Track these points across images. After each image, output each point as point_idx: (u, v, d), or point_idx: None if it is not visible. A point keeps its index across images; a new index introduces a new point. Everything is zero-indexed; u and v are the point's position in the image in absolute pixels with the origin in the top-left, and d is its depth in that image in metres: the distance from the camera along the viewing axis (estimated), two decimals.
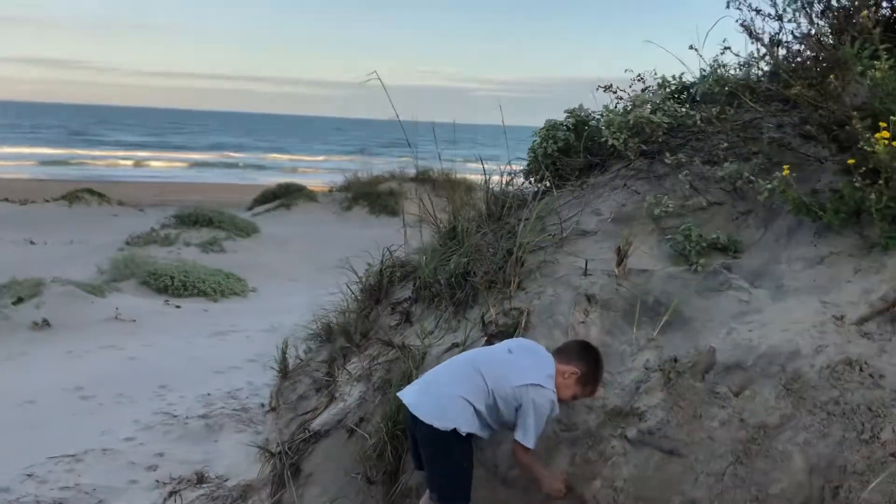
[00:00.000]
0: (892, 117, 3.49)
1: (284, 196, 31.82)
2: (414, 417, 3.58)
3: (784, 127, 4.62)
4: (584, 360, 3.64)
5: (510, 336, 4.11)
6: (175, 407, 10.18)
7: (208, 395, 10.79)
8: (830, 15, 4.71)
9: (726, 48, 4.96)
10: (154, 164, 59.76)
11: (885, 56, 3.75)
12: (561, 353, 3.69)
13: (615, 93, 5.49)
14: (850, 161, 3.67)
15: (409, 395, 3.66)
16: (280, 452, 4.45)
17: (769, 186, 3.97)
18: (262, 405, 9.86)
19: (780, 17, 4.92)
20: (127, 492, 7.13)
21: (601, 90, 5.52)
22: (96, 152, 65.25)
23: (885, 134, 3.47)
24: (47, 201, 31.86)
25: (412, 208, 6.49)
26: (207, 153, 69.47)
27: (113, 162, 59.79)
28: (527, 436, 3.50)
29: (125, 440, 8.68)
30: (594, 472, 3.58)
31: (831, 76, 3.86)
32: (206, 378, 11.60)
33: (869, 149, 3.51)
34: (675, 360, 3.80)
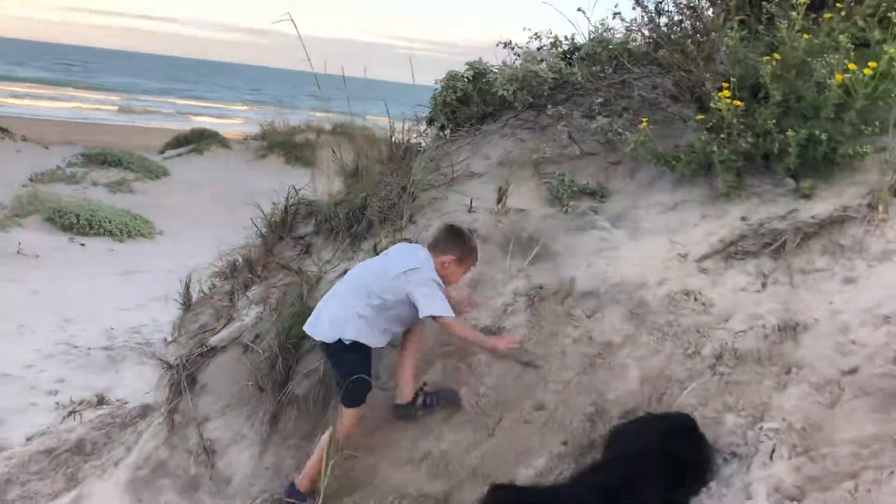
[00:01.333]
0: (731, 79, 3.99)
1: (197, 141, 31.19)
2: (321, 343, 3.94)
3: (657, 88, 5.11)
4: (456, 244, 3.99)
5: None
6: (77, 339, 10.29)
7: (112, 329, 10.91)
8: None
9: (616, 13, 5.40)
10: (57, 103, 57.34)
11: (738, 27, 4.24)
12: (435, 248, 4.00)
13: (513, 49, 5.90)
14: (699, 117, 4.18)
15: (308, 326, 4.01)
16: (178, 365, 4.77)
17: (634, 139, 4.45)
18: (166, 339, 10.01)
19: None
20: (27, 412, 7.29)
21: (501, 46, 5.91)
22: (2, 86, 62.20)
23: (726, 94, 3.97)
24: None
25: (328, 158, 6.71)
26: (117, 94, 67.12)
27: (14, 98, 57.16)
28: (433, 306, 3.78)
29: (26, 367, 8.78)
30: (462, 381, 4.03)
31: (688, 41, 4.34)
32: (111, 314, 11.69)
33: (714, 107, 4.01)
34: (541, 287, 4.27)
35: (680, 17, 5.18)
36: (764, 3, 4.29)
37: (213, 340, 4.90)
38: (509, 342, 3.96)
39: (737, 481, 3.02)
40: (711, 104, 4.03)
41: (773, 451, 3.03)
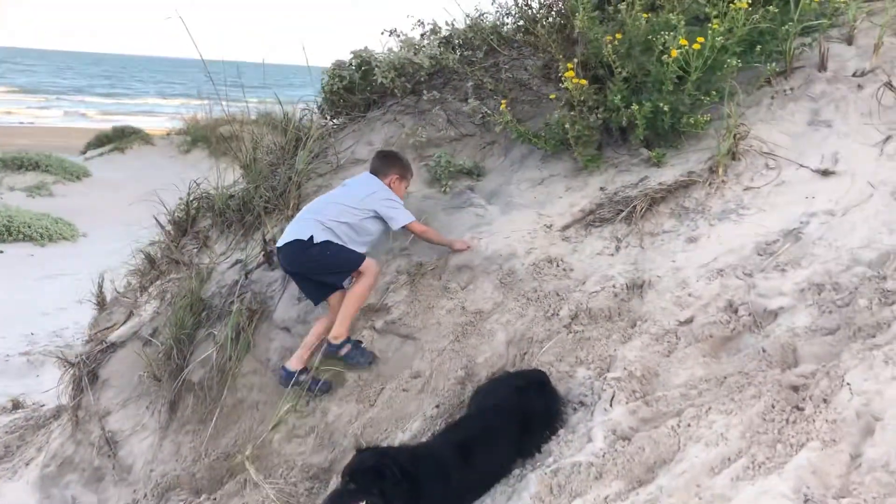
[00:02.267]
0: (575, 59, 4.29)
1: (119, 139, 30.70)
2: (285, 255, 4.22)
3: (527, 69, 5.39)
4: (394, 164, 4.52)
5: None
6: None
7: (32, 334, 10.85)
8: None
9: None
10: None
11: (587, 8, 4.53)
12: (378, 172, 4.50)
13: (398, 36, 6.11)
14: (552, 96, 4.47)
15: (280, 241, 4.29)
16: (79, 363, 4.90)
17: (501, 120, 4.72)
18: (84, 341, 10.00)
19: None
20: None
21: (386, 34, 6.12)
22: None
23: (570, 73, 4.26)
24: None
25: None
26: (32, 95, 65.21)
27: None
28: (400, 216, 4.32)
29: None
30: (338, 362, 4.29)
31: (548, 23, 4.62)
32: (32, 319, 11.60)
33: (563, 86, 4.31)
34: (420, 265, 4.53)
35: (548, 1, 5.45)
36: None
37: (113, 337, 5.05)
38: (462, 243, 4.48)
39: (581, 427, 3.33)
40: (560, 84, 4.32)
41: (612, 397, 3.35)
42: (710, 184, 4.25)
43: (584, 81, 4.27)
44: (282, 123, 6.18)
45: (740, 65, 4.29)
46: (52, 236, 18.02)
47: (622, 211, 4.31)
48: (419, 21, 6.17)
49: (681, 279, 3.85)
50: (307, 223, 4.22)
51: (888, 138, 4.04)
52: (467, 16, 5.61)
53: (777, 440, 2.82)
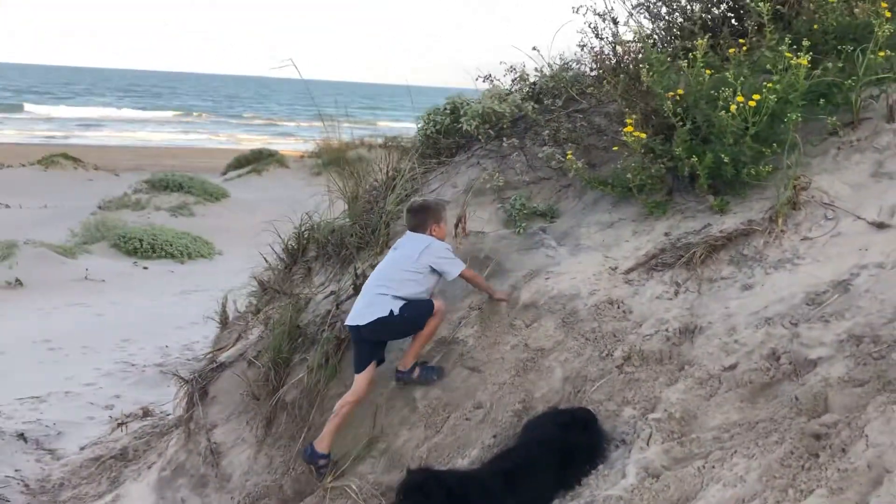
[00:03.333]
0: (633, 116, 4.56)
1: (256, 162, 32.61)
2: (371, 331, 4.63)
3: (606, 116, 5.67)
4: (426, 215, 4.88)
5: None
6: (135, 357, 11.26)
7: (166, 347, 11.87)
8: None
9: (582, 46, 5.98)
10: (124, 128, 59.98)
11: (659, 63, 4.78)
12: (418, 227, 4.86)
13: (492, 82, 6.52)
14: (615, 148, 4.75)
15: (352, 319, 4.72)
16: (192, 379, 5.55)
17: (572, 166, 5.04)
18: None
19: (615, 22, 5.94)
20: (84, 425, 8.22)
21: (480, 80, 6.55)
22: (63, 113, 65.61)
23: (630, 128, 4.53)
24: (23, 165, 32.37)
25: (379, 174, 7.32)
26: (177, 114, 70.11)
27: (83, 123, 60.05)
28: (453, 269, 4.69)
29: (86, 385, 9.76)
30: (415, 388, 4.71)
31: (607, 79, 4.92)
32: (167, 332, 12.66)
33: (625, 138, 4.59)
34: (492, 301, 4.90)
35: (625, 55, 5.74)
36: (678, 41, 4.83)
37: (222, 357, 5.68)
38: (503, 294, 4.87)
39: (619, 464, 3.60)
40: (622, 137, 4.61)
41: (650, 437, 3.60)
42: (769, 232, 4.41)
43: (643, 135, 4.53)
44: (382, 163, 6.71)
45: (800, 118, 4.44)
46: (192, 254, 19.42)
47: (683, 256, 4.52)
48: (511, 67, 6.55)
49: (731, 325, 4.04)
50: (382, 300, 4.62)
51: None
52: (550, 65, 5.95)
53: (790, 485, 3.02)
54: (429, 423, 4.49)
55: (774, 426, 3.37)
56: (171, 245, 19.26)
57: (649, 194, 4.86)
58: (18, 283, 14.73)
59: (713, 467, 3.29)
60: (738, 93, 4.31)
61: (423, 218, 4.88)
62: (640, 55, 5.41)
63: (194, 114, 71.63)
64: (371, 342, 4.67)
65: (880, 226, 4.13)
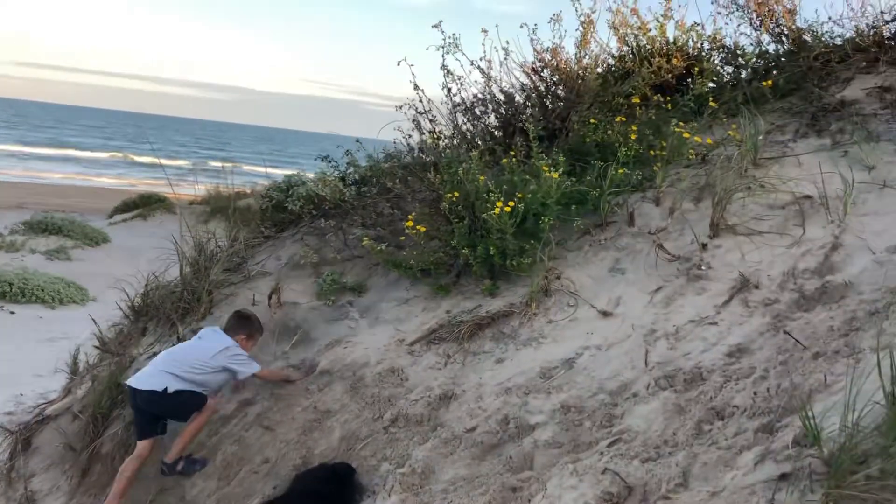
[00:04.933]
0: (415, 212, 5.36)
1: (144, 206, 32.39)
2: (142, 398, 5.10)
3: (420, 203, 6.46)
4: (244, 326, 5.45)
5: None
6: None
7: (21, 395, 11.88)
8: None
9: (396, 140, 6.79)
10: (19, 161, 58.26)
11: (444, 167, 5.61)
12: (229, 330, 5.42)
13: (330, 163, 7.25)
14: (402, 238, 5.54)
15: (133, 381, 5.22)
16: (16, 431, 5.94)
17: (373, 248, 5.78)
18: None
19: (431, 121, 6.78)
20: None
21: (319, 160, 7.27)
22: None
23: (409, 223, 5.33)
24: None
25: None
26: (77, 151, 68.48)
27: None
28: (247, 369, 5.26)
29: None
30: (218, 445, 5.27)
31: (415, 173, 5.73)
32: (25, 380, 12.64)
33: (407, 231, 5.38)
34: (293, 367, 5.54)
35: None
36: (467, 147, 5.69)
37: (50, 410, 6.09)
38: (298, 376, 5.47)
39: None
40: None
41: (391, 488, 4.29)
42: (524, 315, 5.24)
43: (423, 228, 5.33)
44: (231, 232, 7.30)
45: (555, 220, 5.32)
46: (63, 299, 19.19)
47: (455, 332, 5.29)
48: (331, 160, 7.27)
49: (479, 394, 4.80)
50: (163, 375, 5.15)
51: (659, 288, 5.01)
52: (369, 156, 6.74)
53: None
54: (222, 476, 5.05)
55: (486, 480, 4.11)
56: (42, 290, 19.00)
57: (438, 276, 5.64)
58: None
59: None
60: (498, 198, 5.15)
61: (239, 325, 5.45)
62: (431, 157, 6.26)
63: (77, 150, 70.08)
64: (145, 412, 5.19)
65: (605, 314, 5.01)
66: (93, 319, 7.09)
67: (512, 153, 5.67)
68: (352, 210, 6.43)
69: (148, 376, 5.16)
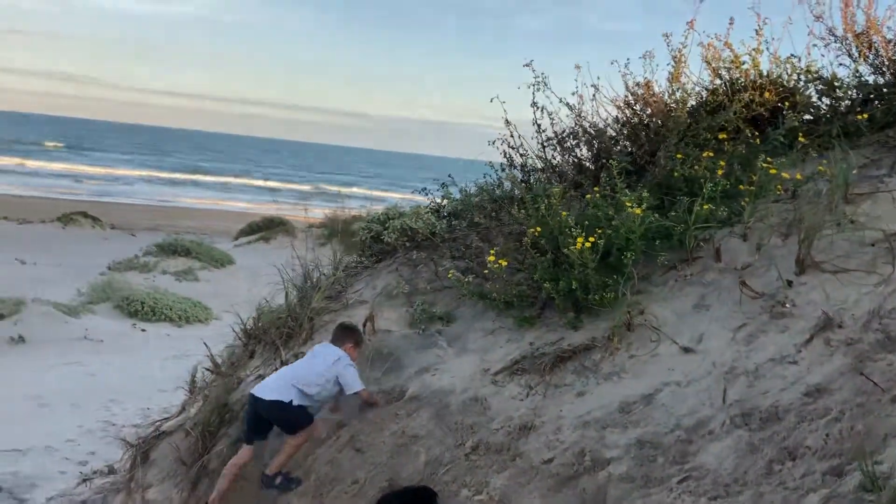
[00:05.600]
0: (497, 248, 5.54)
1: (266, 229, 33.92)
2: (265, 407, 5.53)
3: (508, 236, 6.66)
4: (349, 336, 5.86)
5: None
6: (116, 417, 12.16)
7: (148, 409, 12.76)
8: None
9: (485, 175, 7.03)
10: (155, 186, 62.07)
11: (531, 203, 5.79)
12: (336, 341, 5.85)
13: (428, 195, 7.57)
14: (485, 271, 5.73)
15: (257, 390, 5.66)
16: (136, 444, 6.48)
17: (457, 281, 6.02)
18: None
19: (522, 156, 6.99)
20: (55, 479, 9.11)
21: (416, 193, 7.61)
22: (101, 170, 68.10)
23: (492, 258, 5.52)
24: (43, 222, 33.79)
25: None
26: (207, 176, 72.42)
27: (118, 180, 62.26)
28: (356, 384, 5.63)
29: (66, 441, 10.66)
30: (313, 466, 5.60)
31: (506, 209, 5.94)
32: (151, 395, 13.55)
33: (489, 265, 5.58)
34: (384, 392, 5.82)
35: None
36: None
37: (166, 426, 6.61)
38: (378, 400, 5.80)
39: None
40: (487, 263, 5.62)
41: None
42: (606, 349, 5.33)
43: (504, 262, 5.52)
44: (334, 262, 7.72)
45: (639, 256, 5.41)
46: (189, 318, 20.33)
47: (537, 364, 5.44)
48: (429, 193, 7.57)
49: (558, 426, 4.94)
50: (291, 389, 5.57)
51: (742, 326, 5.00)
52: (461, 190, 7.00)
53: None
54: (315, 494, 5.37)
55: None
56: (170, 309, 20.21)
57: (522, 309, 5.81)
58: (21, 339, 15.76)
59: None
60: (579, 234, 5.28)
61: (345, 335, 5.87)
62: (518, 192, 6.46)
63: (209, 175, 74.09)
64: (262, 419, 5.59)
65: (687, 350, 5.04)
66: (204, 343, 7.58)
67: (596, 189, 5.78)
68: (442, 243, 6.69)
69: (274, 388, 5.58)
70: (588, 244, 5.25)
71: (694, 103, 6.61)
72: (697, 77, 6.56)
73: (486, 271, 5.81)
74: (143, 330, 18.71)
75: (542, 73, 6.35)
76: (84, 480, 8.46)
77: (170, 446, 6.41)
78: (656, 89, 6.60)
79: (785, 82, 6.36)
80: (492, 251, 5.60)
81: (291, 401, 5.49)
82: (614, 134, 6.67)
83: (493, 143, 6.96)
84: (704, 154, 5.76)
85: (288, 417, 5.53)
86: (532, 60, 6.38)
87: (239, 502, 5.56)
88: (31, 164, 67.21)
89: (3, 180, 55.14)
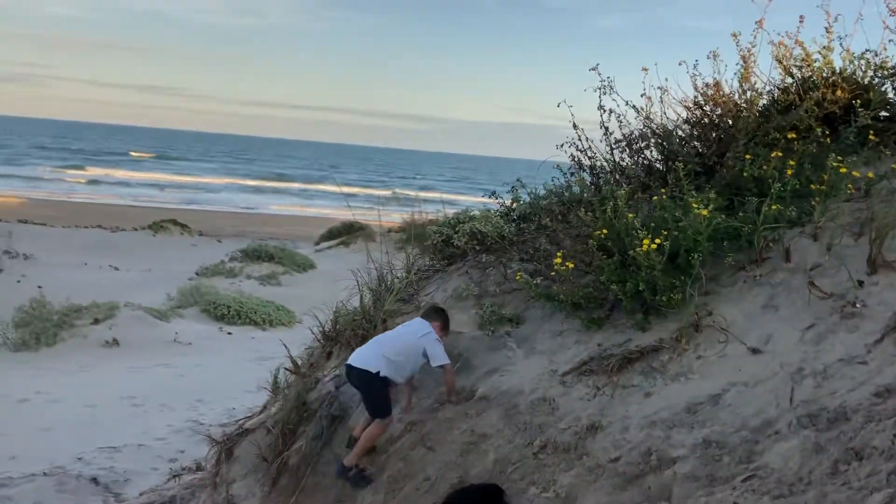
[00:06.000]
0: (564, 250, 5.62)
1: (346, 234, 34.62)
2: (356, 376, 5.79)
3: (575, 239, 6.73)
4: (439, 316, 6.11)
5: None
6: (204, 416, 12.69)
7: (233, 409, 13.25)
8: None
9: (553, 178, 7.13)
10: (239, 195, 63.94)
11: (598, 205, 5.86)
12: (426, 317, 6.11)
13: (497, 198, 7.71)
14: (552, 273, 5.82)
15: (351, 359, 5.91)
16: (221, 441, 6.81)
17: (524, 283, 6.13)
18: None
19: (590, 158, 7.05)
20: (148, 475, 9.61)
21: (487, 196, 7.75)
22: (188, 178, 70.56)
23: (558, 260, 5.61)
24: (135, 229, 35.24)
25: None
26: (299, 183, 74.30)
27: (204, 188, 64.41)
28: (441, 358, 5.85)
29: (157, 439, 11.21)
30: (386, 462, 5.79)
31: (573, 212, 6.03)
32: (237, 395, 14.07)
33: (556, 268, 5.67)
34: (456, 393, 5.98)
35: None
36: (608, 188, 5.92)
37: (248, 424, 6.92)
38: (457, 397, 5.96)
39: None
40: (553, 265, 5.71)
41: None
42: (674, 350, 5.36)
43: (571, 264, 5.60)
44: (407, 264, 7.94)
45: (705, 256, 5.42)
46: (273, 321, 20.95)
47: (605, 365, 5.51)
48: (499, 196, 7.70)
49: (625, 426, 5.00)
50: (379, 359, 5.80)
51: (811, 326, 4.97)
52: (530, 193, 7.10)
53: None
54: (388, 490, 5.57)
55: None
56: (255, 313, 20.86)
57: (590, 310, 5.88)
58: (115, 342, 16.57)
59: None
60: (645, 236, 5.33)
61: (436, 314, 6.14)
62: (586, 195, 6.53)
63: (291, 182, 75.92)
64: (355, 386, 5.87)
65: (755, 351, 5.03)
66: (283, 345, 7.88)
67: (662, 191, 5.81)
68: (511, 246, 6.81)
69: (364, 357, 5.83)
70: (654, 246, 5.29)
71: (765, 102, 6.56)
72: (768, 76, 6.50)
73: (552, 273, 5.90)
74: (229, 333, 19.38)
75: (609, 77, 6.41)
76: (173, 476, 8.90)
77: (252, 444, 6.71)
78: (726, 89, 6.58)
79: (859, 79, 6.25)
80: (558, 253, 5.69)
81: (378, 371, 5.71)
82: (683, 135, 6.66)
83: (562, 146, 7.03)
84: (773, 154, 5.72)
85: (371, 391, 5.75)
86: (598, 64, 6.45)
87: (317, 499, 5.80)
88: (122, 174, 70.27)
89: (97, 190, 57.73)
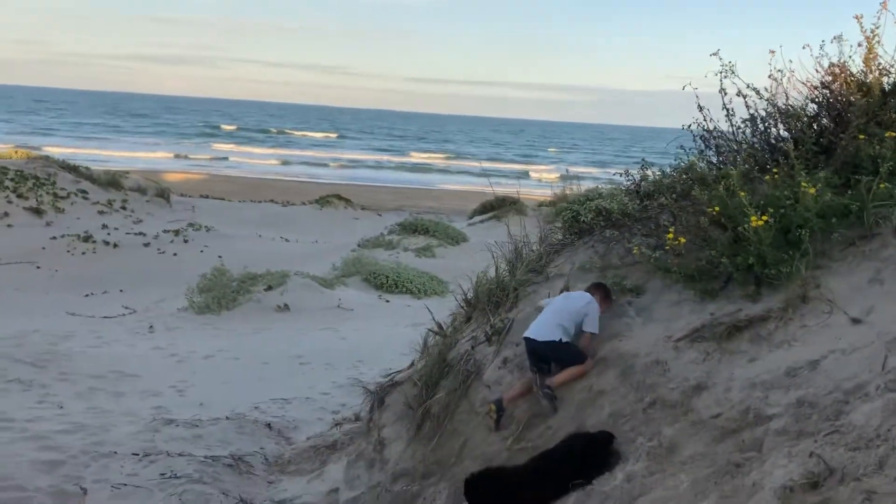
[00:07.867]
0: (672, 229, 6.09)
1: (498, 208, 35.43)
2: (541, 348, 6.50)
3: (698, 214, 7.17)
4: (600, 291, 6.78)
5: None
6: (364, 375, 13.92)
7: (389, 369, 14.40)
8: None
9: (677, 158, 7.57)
10: (398, 171, 66.29)
11: (713, 184, 6.28)
12: (590, 290, 6.78)
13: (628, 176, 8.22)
14: (666, 246, 6.31)
15: (531, 333, 6.62)
16: (375, 391, 7.80)
17: (651, 255, 6.66)
18: None
19: (714, 138, 7.44)
20: (313, 423, 10.88)
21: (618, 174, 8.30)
22: (352, 155, 73.84)
23: (670, 235, 6.09)
24: (304, 204, 37.60)
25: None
26: (456, 160, 76.09)
27: (365, 164, 67.26)
28: (594, 325, 6.54)
29: (322, 393, 12.52)
30: (513, 413, 6.54)
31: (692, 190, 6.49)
32: (394, 357, 15.21)
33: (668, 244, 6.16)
34: None
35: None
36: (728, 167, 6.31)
37: (398, 377, 7.87)
38: (590, 365, 6.52)
39: (618, 472, 5.24)
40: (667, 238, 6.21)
41: (639, 457, 5.20)
42: (780, 319, 5.77)
43: (682, 240, 6.09)
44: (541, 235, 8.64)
45: (813, 232, 5.77)
46: (427, 291, 22.14)
47: (716, 333, 5.98)
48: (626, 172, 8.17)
49: (728, 387, 5.48)
50: (557, 328, 6.52)
51: None
52: (654, 172, 7.56)
53: (711, 490, 4.54)
54: (516, 433, 6.33)
55: (717, 458, 4.85)
56: (411, 282, 22.12)
57: (705, 282, 6.35)
58: (286, 307, 18.21)
59: (666, 479, 4.85)
60: (754, 213, 5.74)
61: (598, 287, 6.80)
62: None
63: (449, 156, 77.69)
64: (538, 356, 6.54)
65: (855, 321, 5.37)
66: (429, 310, 8.75)
67: (775, 171, 6.16)
68: (635, 222, 7.33)
69: (544, 330, 6.54)
70: (761, 222, 5.70)
71: (890, 81, 6.71)
72: (892, 57, 6.63)
73: (667, 248, 6.40)
74: (387, 301, 20.74)
75: (730, 62, 6.77)
76: (336, 425, 10.08)
77: (400, 394, 7.65)
78: (854, 70, 6.77)
79: None
80: (670, 228, 6.19)
81: (560, 338, 6.45)
82: (805, 117, 6.92)
83: (689, 126, 7.44)
84: (887, 134, 5.94)
85: (560, 354, 6.47)
86: (719, 49, 6.82)
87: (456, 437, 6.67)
88: (289, 152, 74.45)
89: (268, 169, 61.56)
